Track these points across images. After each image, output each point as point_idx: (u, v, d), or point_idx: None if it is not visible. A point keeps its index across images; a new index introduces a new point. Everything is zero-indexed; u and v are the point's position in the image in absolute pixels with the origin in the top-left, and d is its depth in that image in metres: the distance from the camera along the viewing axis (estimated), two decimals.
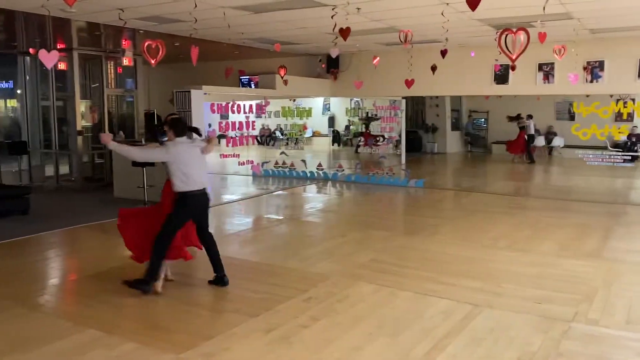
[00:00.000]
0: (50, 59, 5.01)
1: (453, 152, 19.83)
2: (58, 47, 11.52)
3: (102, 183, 12.06)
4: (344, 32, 6.79)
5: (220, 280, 5.34)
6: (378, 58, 9.89)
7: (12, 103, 13.47)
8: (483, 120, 20.38)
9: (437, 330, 4.25)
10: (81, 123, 12.06)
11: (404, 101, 14.62)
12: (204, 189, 5.18)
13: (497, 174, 15.45)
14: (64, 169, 12.67)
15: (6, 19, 8.75)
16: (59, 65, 11.81)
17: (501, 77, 11.82)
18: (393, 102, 13.61)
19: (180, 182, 5.04)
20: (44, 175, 12.62)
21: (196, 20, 7.23)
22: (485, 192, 11.32)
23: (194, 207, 5.15)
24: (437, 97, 18.81)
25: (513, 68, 10.59)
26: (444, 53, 9.09)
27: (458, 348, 3.94)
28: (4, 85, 13.41)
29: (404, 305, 4.83)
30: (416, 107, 20.14)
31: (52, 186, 12.13)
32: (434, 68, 10.07)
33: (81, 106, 12.10)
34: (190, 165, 5.05)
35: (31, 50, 11.24)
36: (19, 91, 13.08)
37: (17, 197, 9.00)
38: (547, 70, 11.31)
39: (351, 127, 16.48)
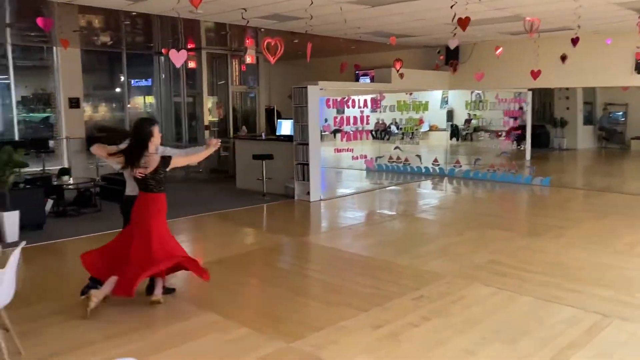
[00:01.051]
0: (179, 58, 5.38)
1: (584, 148, 18.31)
2: (188, 46, 12.36)
3: (226, 175, 12.76)
4: (463, 22, 6.51)
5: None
6: (501, 48, 9.37)
7: (150, 99, 14.69)
8: (621, 113, 18.58)
9: (559, 340, 3.93)
10: (208, 118, 12.86)
11: (529, 93, 13.76)
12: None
13: (636, 173, 14.01)
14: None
15: (144, 22, 9.55)
16: (189, 63, 12.68)
17: None
18: (518, 95, 12.85)
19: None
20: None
21: (312, 17, 7.35)
22: (620, 193, 10.32)
23: None
24: (567, 88, 17.45)
25: None
26: (575, 41, 8.39)
27: None
28: (143, 82, 14.65)
29: (523, 311, 4.54)
30: (544, 100, 18.86)
31: (182, 177, 13.06)
32: (563, 58, 9.34)
33: (208, 102, 12.89)
34: None
35: (164, 50, 12.16)
36: (154, 88, 14.25)
37: None
38: None
39: (472, 121, 15.84)
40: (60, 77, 12.15)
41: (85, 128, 12.54)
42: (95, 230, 7.61)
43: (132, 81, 14.33)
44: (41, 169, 11.23)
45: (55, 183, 9.04)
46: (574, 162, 16.40)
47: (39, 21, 6.33)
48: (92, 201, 9.14)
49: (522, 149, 13.98)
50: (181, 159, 4.87)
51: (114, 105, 14.21)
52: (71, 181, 9.31)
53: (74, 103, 12.26)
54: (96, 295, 4.44)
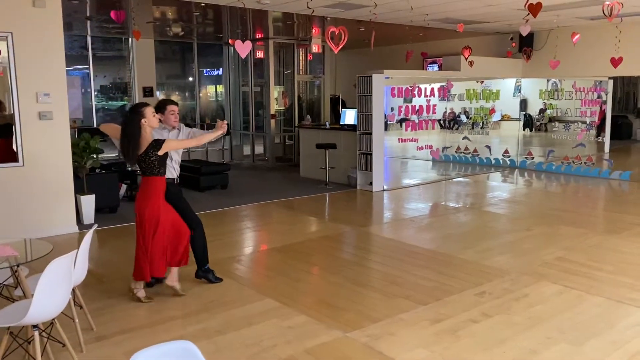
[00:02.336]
0: (244, 48, 5.47)
1: None
2: (256, 36, 12.56)
3: (291, 163, 12.92)
4: (535, 8, 6.19)
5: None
6: (578, 35, 8.86)
7: (221, 88, 15.08)
8: None
9: (631, 344, 3.71)
10: (274, 107, 13.03)
11: (610, 82, 12.98)
12: None
13: None
14: (259, 149, 13.88)
15: (214, 13, 9.77)
16: (257, 53, 12.88)
17: None
18: (598, 84, 12.14)
19: None
20: (242, 154, 13.97)
21: (376, 5, 7.24)
22: None
23: None
24: None
25: None
26: None
27: None
28: (214, 72, 15.06)
29: (592, 312, 4.31)
30: (627, 89, 17.73)
31: (248, 164, 13.36)
32: None
33: (275, 91, 13.06)
34: None
35: (230, 41, 12.42)
36: (224, 78, 14.60)
37: (219, 173, 10.08)
38: None
39: (547, 110, 15.15)
40: (135, 67, 12.70)
41: None
42: None
43: (205, 71, 14.76)
44: (117, 155, 11.82)
45: (129, 168, 9.48)
46: None
47: (112, 14, 6.63)
48: None
49: (600, 140, 13.23)
50: (176, 142, 4.63)
51: (186, 94, 14.70)
52: None
53: (148, 92, 12.78)
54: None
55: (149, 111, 4.42)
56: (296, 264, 5.67)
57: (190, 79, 14.43)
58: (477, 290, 4.79)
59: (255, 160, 13.69)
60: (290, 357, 3.60)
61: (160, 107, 4.86)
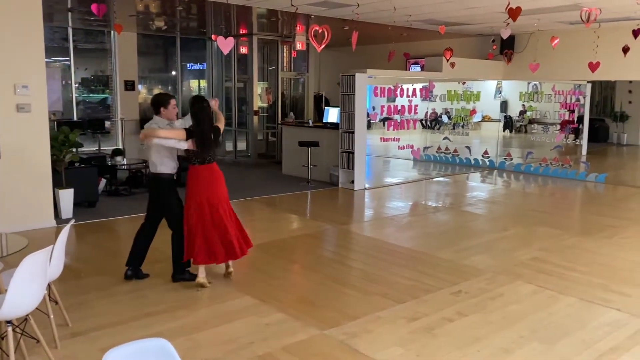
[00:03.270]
0: (226, 45, 5.46)
1: None
2: (240, 32, 12.50)
3: (273, 160, 12.91)
4: (514, 12, 6.28)
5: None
6: (558, 39, 9.00)
7: (204, 83, 14.98)
8: None
9: (601, 344, 3.80)
10: (257, 103, 13.00)
11: (589, 86, 13.21)
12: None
13: None
14: (241, 145, 13.84)
15: (198, 7, 9.71)
16: (241, 49, 12.83)
17: None
18: (577, 87, 12.34)
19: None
20: (224, 150, 13.90)
21: (358, 5, 7.27)
22: None
23: None
24: (630, 82, 16.63)
25: None
26: (636, 33, 7.97)
27: None
28: (198, 66, 14.95)
29: (565, 312, 4.41)
30: (604, 93, 18.06)
31: (230, 160, 13.32)
32: (625, 49, 8.89)
33: (258, 88, 13.03)
34: None
35: (213, 37, 12.37)
36: (207, 73, 14.51)
37: None
38: None
39: (527, 112, 15.36)
40: (117, 60, 12.56)
41: (139, 110, 12.93)
42: (144, 210, 7.86)
43: (188, 65, 14.65)
44: (97, 148, 11.70)
45: (109, 163, 9.40)
46: (633, 158, 15.66)
47: (93, 7, 6.56)
48: (143, 182, 9.45)
49: (578, 143, 13.45)
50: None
51: (168, 88, 14.58)
52: (124, 162, 9.65)
53: (130, 85, 12.66)
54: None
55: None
56: (276, 262, 5.68)
57: (173, 73, 14.32)
58: (454, 289, 4.86)
59: (238, 156, 13.65)
60: (267, 354, 3.62)
61: (164, 102, 4.88)
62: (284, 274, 5.39)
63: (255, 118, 12.93)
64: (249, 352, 3.63)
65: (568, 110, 12.21)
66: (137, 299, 4.57)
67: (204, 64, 14.57)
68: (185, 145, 4.73)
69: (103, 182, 8.86)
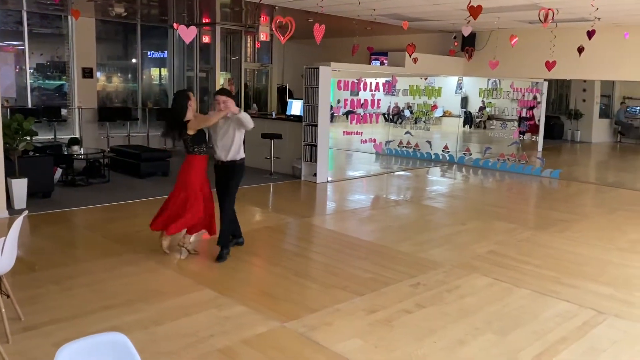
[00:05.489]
0: (188, 34, 5.36)
1: (599, 142, 18.09)
2: (203, 21, 12.31)
3: None
4: (475, 11, 6.40)
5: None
6: (516, 38, 9.22)
7: (165, 72, 14.70)
8: (638, 108, 18.29)
9: (551, 334, 3.95)
10: None
11: (545, 84, 13.59)
12: None
13: None
14: None
15: None
16: (203, 38, 12.65)
17: None
18: (534, 85, 12.69)
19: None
20: None
21: None
22: (632, 189, 10.20)
23: None
24: (584, 80, 17.19)
25: None
26: (590, 34, 8.23)
27: (572, 356, 3.64)
28: (159, 55, 14.65)
29: (518, 303, 4.55)
30: (560, 91, 18.63)
31: None
32: (580, 49, 9.17)
33: (221, 78, 12.88)
34: None
35: (175, 25, 12.14)
36: (168, 61, 14.24)
37: (160, 160, 9.87)
38: None
39: (486, 108, 15.71)
40: (75, 46, 12.19)
41: (97, 98, 12.60)
42: (102, 201, 7.71)
43: (149, 53, 14.33)
44: (52, 137, 11.36)
45: (65, 152, 9.14)
46: (586, 155, 16.23)
47: None
48: (101, 172, 9.24)
49: (534, 139, 13.85)
50: (194, 122, 5.23)
51: (128, 76, 14.25)
52: (81, 151, 9.40)
53: (88, 73, 12.31)
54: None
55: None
56: (237, 254, 5.64)
57: (134, 60, 14.00)
58: (412, 281, 4.95)
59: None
60: (226, 347, 3.61)
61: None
62: (244, 267, 5.37)
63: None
64: (208, 346, 3.62)
65: (525, 108, 12.54)
66: (93, 292, 4.48)
67: (165, 52, 14.30)
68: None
69: (59, 171, 8.61)
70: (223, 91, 5.38)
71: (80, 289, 4.53)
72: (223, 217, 5.40)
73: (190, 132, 5.17)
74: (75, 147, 9.27)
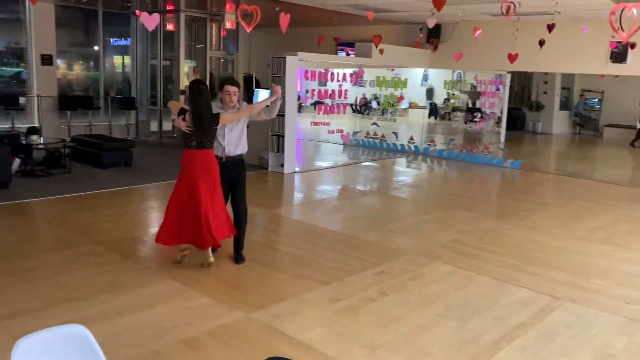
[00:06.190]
0: (151, 21, 5.26)
1: (559, 133, 18.60)
2: (167, 8, 12.07)
3: None
4: (438, 2, 6.48)
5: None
6: (480, 30, 9.37)
7: (128, 60, 14.37)
8: (597, 100, 18.86)
9: (510, 320, 4.07)
10: (185, 83, 12.65)
11: (508, 76, 13.86)
12: None
13: (606, 160, 14.30)
14: (167, 126, 13.42)
15: None
16: (167, 25, 12.41)
17: (618, 55, 10.81)
18: (498, 77, 12.94)
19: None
20: (149, 131, 13.46)
21: None
22: (590, 179, 10.53)
23: None
24: (546, 73, 17.61)
25: (632, 46, 9.66)
26: (550, 28, 8.44)
27: (529, 340, 3.76)
28: (121, 42, 14.30)
29: (479, 290, 4.67)
30: (523, 83, 19.03)
31: (155, 141, 12.92)
32: (542, 42, 9.40)
33: (185, 66, 12.68)
34: None
35: (137, 12, 11.88)
36: (131, 49, 13.93)
37: (123, 150, 9.69)
38: None
39: (451, 100, 15.94)
40: (33, 32, 11.78)
41: (57, 86, 12.24)
42: (63, 191, 7.52)
43: (111, 40, 13.98)
44: (10, 126, 11.00)
45: (23, 142, 8.87)
46: (547, 146, 16.65)
47: None
48: (62, 162, 9.01)
49: (497, 131, 14.13)
50: (232, 114, 4.83)
51: (90, 63, 13.88)
52: (41, 140, 9.14)
53: (47, 60, 11.92)
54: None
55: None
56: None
57: (95, 48, 13.63)
58: (377, 270, 5.02)
59: (163, 137, 13.24)
60: (190, 338, 3.60)
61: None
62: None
63: (182, 98, 12.59)
64: (172, 337, 3.60)
65: (489, 99, 12.80)
66: (54, 285, 4.38)
67: (129, 39, 13.98)
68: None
69: (17, 161, 8.36)
70: (232, 81, 4.95)
71: (39, 282, 4.44)
72: (243, 213, 5.11)
73: (220, 124, 4.74)
74: (35, 137, 9.01)
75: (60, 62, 12.78)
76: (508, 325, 3.99)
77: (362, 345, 3.61)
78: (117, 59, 14.55)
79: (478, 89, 12.96)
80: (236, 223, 5.06)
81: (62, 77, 12.69)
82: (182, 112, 4.70)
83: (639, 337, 3.88)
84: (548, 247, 5.98)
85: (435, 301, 4.38)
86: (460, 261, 5.35)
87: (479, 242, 6.04)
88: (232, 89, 4.81)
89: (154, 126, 13.50)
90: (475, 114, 12.85)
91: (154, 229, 6.50)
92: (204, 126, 4.64)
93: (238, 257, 5.10)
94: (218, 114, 4.70)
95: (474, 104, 13.48)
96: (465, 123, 12.91)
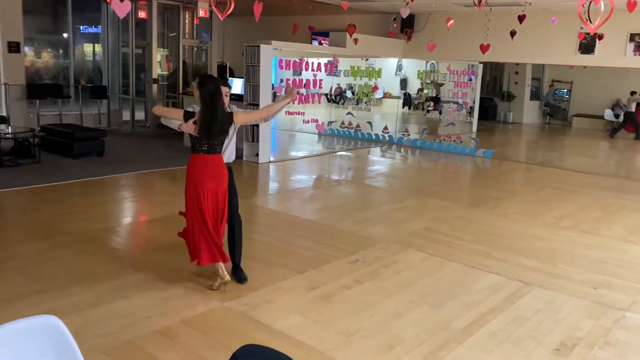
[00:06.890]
0: (123, 8, 5.16)
1: (529, 122, 18.94)
2: None
3: (174, 131, 12.50)
4: None
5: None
6: (452, 20, 9.46)
7: (99, 48, 14.08)
8: (565, 91, 19.24)
9: (481, 305, 4.17)
10: (157, 71, 12.48)
11: (480, 66, 14.02)
12: None
13: (575, 149, 14.64)
14: (140, 115, 13.25)
15: None
16: (139, 13, 12.20)
17: (587, 46, 11.03)
18: (471, 67, 13.08)
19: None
20: (121, 120, 13.26)
21: None
22: (558, 168, 10.78)
23: None
24: (517, 64, 17.88)
25: (600, 37, 9.87)
26: (521, 19, 8.57)
27: (500, 325, 3.86)
28: (92, 30, 13.99)
29: (450, 277, 4.77)
30: (494, 74, 19.29)
31: (128, 131, 12.74)
32: (513, 33, 9.55)
33: (158, 55, 12.50)
34: None
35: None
36: (102, 37, 13.65)
37: (95, 139, 9.52)
38: (639, 42, 10.44)
39: (424, 90, 16.07)
40: None
41: (26, 74, 11.93)
42: (32, 182, 7.38)
43: (81, 27, 13.66)
44: None
45: None
46: (518, 136, 16.95)
47: None
48: (31, 152, 8.82)
49: (469, 120, 14.30)
50: (247, 114, 4.55)
51: (59, 51, 13.56)
52: (9, 130, 8.93)
53: (14, 47, 11.59)
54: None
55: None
56: (176, 236, 5.56)
57: (65, 35, 13.32)
58: (352, 258, 5.08)
59: (135, 126, 13.07)
60: (165, 328, 3.60)
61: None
62: (183, 248, 5.30)
63: (155, 87, 12.44)
64: (146, 327, 3.59)
65: (461, 89, 12.94)
66: (24, 276, 4.32)
67: (99, 27, 13.69)
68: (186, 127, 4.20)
69: None
70: (224, 82, 4.49)
71: (9, 273, 4.36)
72: (237, 223, 4.58)
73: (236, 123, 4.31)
74: (2, 126, 8.81)
75: (28, 50, 12.45)
76: (479, 310, 4.09)
77: (337, 332, 3.66)
78: (88, 47, 14.24)
79: (450, 80, 13.07)
80: (230, 233, 4.56)
81: (30, 65, 12.39)
82: (188, 115, 4.22)
83: (606, 321, 4.02)
84: (517, 234, 6.12)
85: (408, 288, 4.46)
86: (432, 248, 5.44)
87: (450, 230, 6.15)
88: (223, 89, 4.29)
89: (126, 115, 13.30)
90: (429, 103, 13.10)
91: (127, 219, 6.47)
92: (218, 137, 4.19)
93: (240, 275, 4.49)
94: (231, 114, 4.21)
95: (437, 94, 13.68)
96: (427, 113, 13.16)
